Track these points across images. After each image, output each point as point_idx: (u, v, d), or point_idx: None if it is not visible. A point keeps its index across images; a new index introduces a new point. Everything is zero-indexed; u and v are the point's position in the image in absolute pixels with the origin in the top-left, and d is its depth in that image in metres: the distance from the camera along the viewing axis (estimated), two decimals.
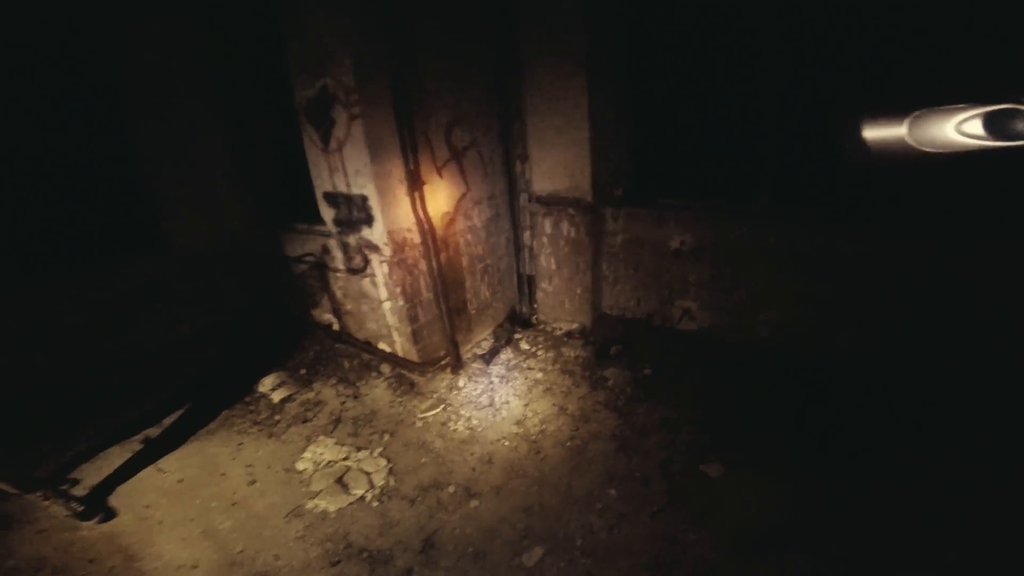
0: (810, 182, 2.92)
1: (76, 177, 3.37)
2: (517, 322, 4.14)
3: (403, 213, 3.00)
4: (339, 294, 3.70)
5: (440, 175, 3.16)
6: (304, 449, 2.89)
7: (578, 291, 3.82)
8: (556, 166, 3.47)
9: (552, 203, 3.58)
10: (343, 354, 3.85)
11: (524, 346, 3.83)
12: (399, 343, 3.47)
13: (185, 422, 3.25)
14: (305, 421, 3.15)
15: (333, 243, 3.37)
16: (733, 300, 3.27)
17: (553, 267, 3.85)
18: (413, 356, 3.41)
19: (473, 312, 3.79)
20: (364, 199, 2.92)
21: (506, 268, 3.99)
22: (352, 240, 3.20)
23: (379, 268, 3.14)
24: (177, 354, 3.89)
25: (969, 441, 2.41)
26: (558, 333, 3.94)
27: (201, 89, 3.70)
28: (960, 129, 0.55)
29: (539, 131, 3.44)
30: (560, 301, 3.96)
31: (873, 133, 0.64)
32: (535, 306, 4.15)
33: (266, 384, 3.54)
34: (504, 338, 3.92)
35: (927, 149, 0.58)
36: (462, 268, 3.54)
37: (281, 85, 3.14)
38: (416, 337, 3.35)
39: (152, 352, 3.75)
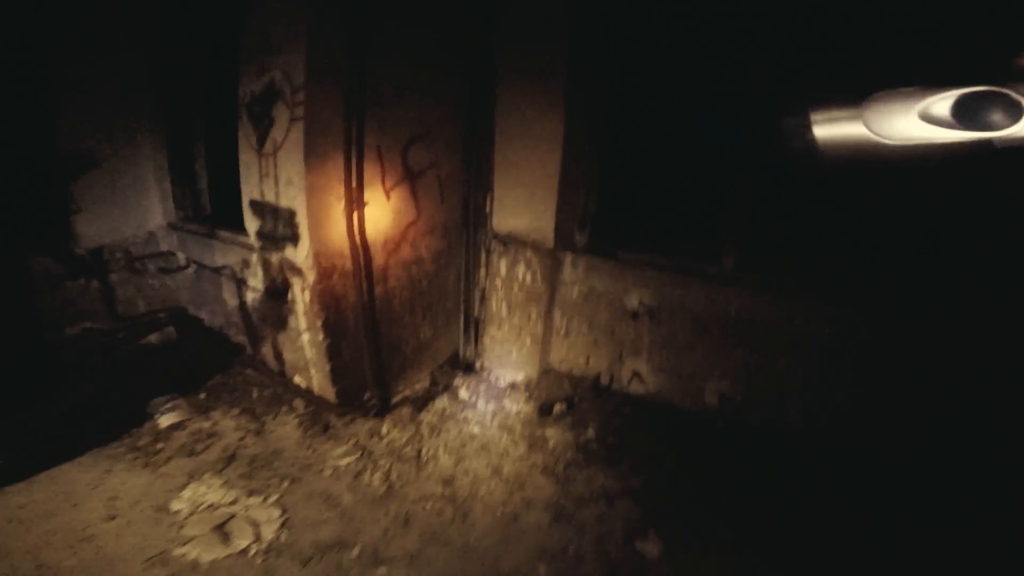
0: (779, 248, 2.86)
1: None
2: (459, 366, 3.81)
3: (336, 235, 2.63)
4: (255, 316, 3.24)
5: (388, 196, 2.84)
6: (184, 486, 2.49)
7: (527, 342, 3.55)
8: (520, 202, 3.23)
9: (511, 243, 3.32)
10: (253, 382, 3.40)
11: (463, 395, 3.52)
12: (316, 379, 3.03)
13: (45, 438, 2.72)
14: (192, 454, 2.73)
15: (255, 258, 2.96)
16: (686, 365, 3.14)
17: (504, 313, 3.55)
18: (331, 396, 2.98)
19: (409, 352, 3.41)
20: (292, 214, 2.55)
21: (453, 307, 3.65)
22: (274, 258, 2.79)
23: (300, 294, 2.74)
24: (64, 358, 3.30)
25: (927, 522, 2.32)
26: (501, 384, 3.67)
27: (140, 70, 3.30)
28: (926, 114, 0.45)
29: (507, 161, 3.21)
30: (508, 350, 3.67)
31: (824, 129, 0.52)
32: (480, 350, 3.83)
33: (156, 405, 3.06)
34: (442, 383, 3.59)
35: (886, 141, 0.49)
36: (401, 303, 3.17)
37: (228, 79, 2.80)
38: (336, 376, 2.94)
39: (37, 351, 3.16)
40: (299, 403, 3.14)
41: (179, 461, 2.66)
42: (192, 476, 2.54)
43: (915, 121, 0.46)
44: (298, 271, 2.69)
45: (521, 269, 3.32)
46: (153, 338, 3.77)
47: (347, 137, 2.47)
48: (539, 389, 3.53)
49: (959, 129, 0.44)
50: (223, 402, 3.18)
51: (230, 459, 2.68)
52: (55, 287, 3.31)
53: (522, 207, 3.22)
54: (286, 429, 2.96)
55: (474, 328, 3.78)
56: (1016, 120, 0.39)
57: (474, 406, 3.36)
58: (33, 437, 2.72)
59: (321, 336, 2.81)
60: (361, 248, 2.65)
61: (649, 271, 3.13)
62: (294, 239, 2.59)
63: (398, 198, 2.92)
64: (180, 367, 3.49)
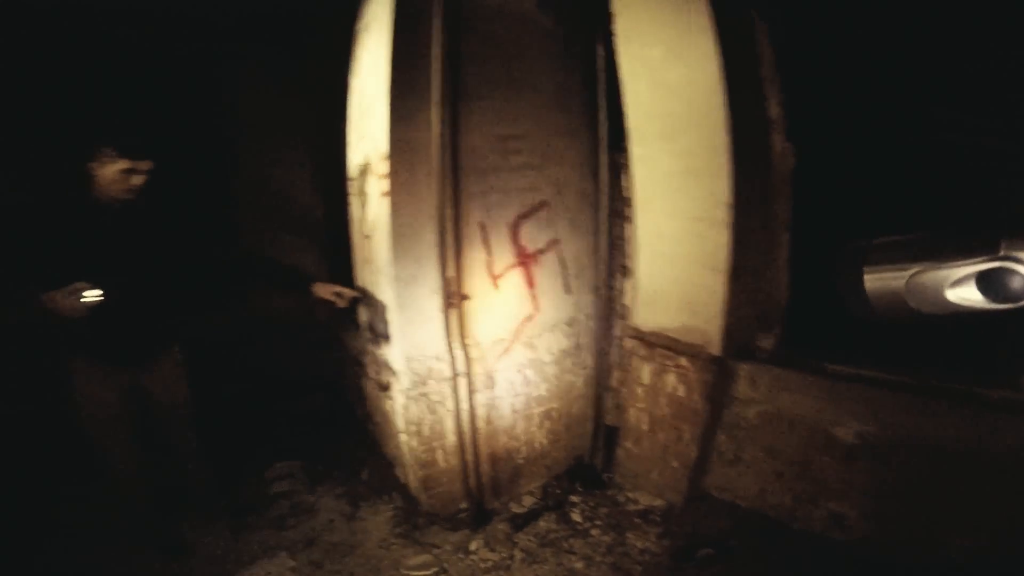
0: None
1: None
2: (581, 477, 3.05)
3: (431, 336, 2.15)
4: (370, 403, 2.96)
5: (496, 286, 2.29)
6: (253, 562, 2.43)
7: (674, 464, 2.68)
8: (670, 290, 2.42)
9: (657, 344, 2.49)
10: (368, 463, 3.19)
11: (575, 517, 2.81)
12: (411, 481, 2.62)
13: None
14: (281, 528, 2.69)
15: (369, 346, 2.65)
16: (918, 515, 2.14)
17: (645, 427, 2.71)
18: (423, 500, 2.58)
19: (520, 462, 2.78)
20: (384, 308, 2.15)
21: (579, 412, 2.91)
22: (378, 352, 2.43)
23: (396, 396, 2.30)
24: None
25: None
26: (632, 508, 2.86)
27: None
28: (955, 291, 0.31)
29: (651, 234, 2.44)
30: (646, 469, 2.82)
31: (874, 283, 0.33)
32: (612, 464, 3.02)
33: (275, 470, 3.13)
34: (554, 499, 2.91)
35: (925, 310, 0.29)
36: (514, 410, 2.56)
37: None
38: (429, 483, 2.50)
39: None
40: (397, 497, 2.87)
41: (264, 533, 2.63)
42: (267, 552, 2.49)
43: (948, 294, 0.46)
44: (392, 372, 2.26)
45: (671, 380, 2.45)
46: (302, 403, 3.87)
47: (440, 211, 2.00)
48: (683, 521, 2.70)
49: (987, 303, 0.45)
50: (334, 479, 3.12)
51: (311, 542, 2.60)
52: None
53: (673, 297, 2.40)
54: (376, 521, 2.75)
55: (603, 437, 2.99)
56: None
57: (586, 533, 2.68)
58: None
59: (415, 442, 2.36)
60: (462, 351, 2.12)
61: (876, 394, 2.14)
62: (387, 337, 2.17)
63: (509, 288, 2.34)
64: (314, 434, 3.53)
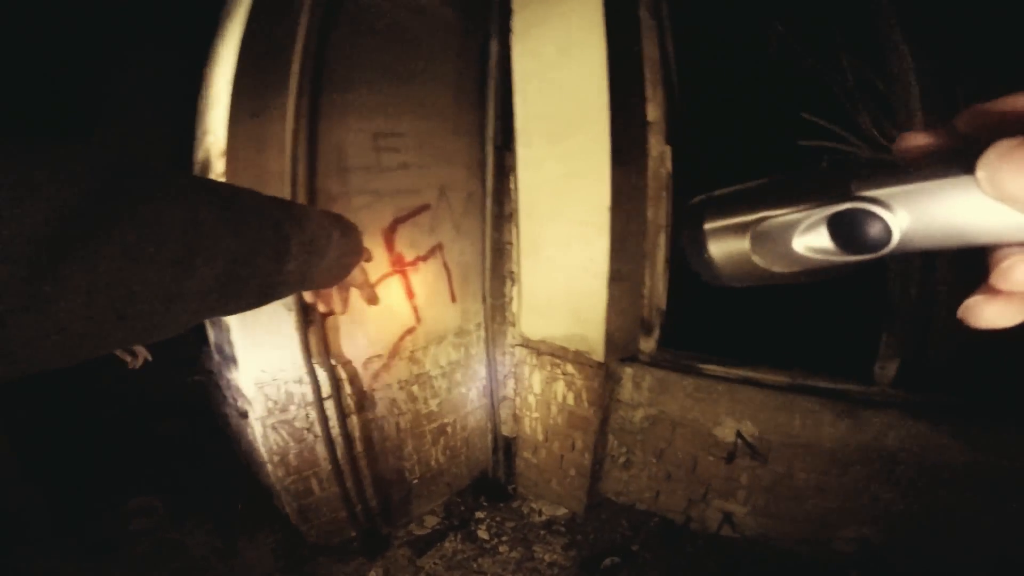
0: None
1: None
2: (486, 491, 2.93)
3: (286, 357, 1.91)
4: (233, 428, 2.64)
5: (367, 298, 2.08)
6: None
7: (571, 472, 2.64)
8: (555, 297, 2.34)
9: (545, 352, 2.41)
10: (243, 492, 2.87)
11: (482, 534, 2.70)
12: (290, 512, 2.33)
13: None
14: (142, 570, 2.36)
15: (223, 370, 2.34)
16: (808, 509, 2.21)
17: (540, 437, 2.63)
18: (306, 531, 2.32)
19: (415, 482, 2.60)
20: (228, 328, 1.87)
21: (476, 425, 2.78)
22: (231, 377, 2.14)
23: (255, 423, 2.03)
24: None
25: None
26: (537, 519, 2.79)
27: None
28: (804, 241, 0.32)
29: (536, 239, 2.35)
30: (546, 479, 2.78)
31: (717, 240, 0.36)
32: (512, 475, 2.94)
33: (133, 506, 2.77)
34: (458, 517, 2.77)
35: (778, 270, 0.34)
36: (399, 429, 2.37)
37: None
38: (307, 515, 2.26)
39: None
40: (278, 527, 2.58)
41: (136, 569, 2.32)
42: None
43: (799, 248, 0.32)
44: (246, 399, 1.99)
45: (560, 388, 2.38)
46: (165, 427, 3.44)
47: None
48: (586, 529, 2.67)
49: (845, 255, 0.31)
50: (204, 511, 2.77)
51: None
52: None
53: (558, 303, 2.33)
54: (258, 554, 2.48)
55: (503, 449, 2.89)
56: (889, 235, 0.28)
57: (494, 551, 2.58)
58: None
59: (282, 472, 2.10)
60: (327, 371, 1.91)
61: (752, 393, 2.19)
62: (235, 360, 1.90)
63: (385, 299, 2.15)
64: (180, 460, 3.19)
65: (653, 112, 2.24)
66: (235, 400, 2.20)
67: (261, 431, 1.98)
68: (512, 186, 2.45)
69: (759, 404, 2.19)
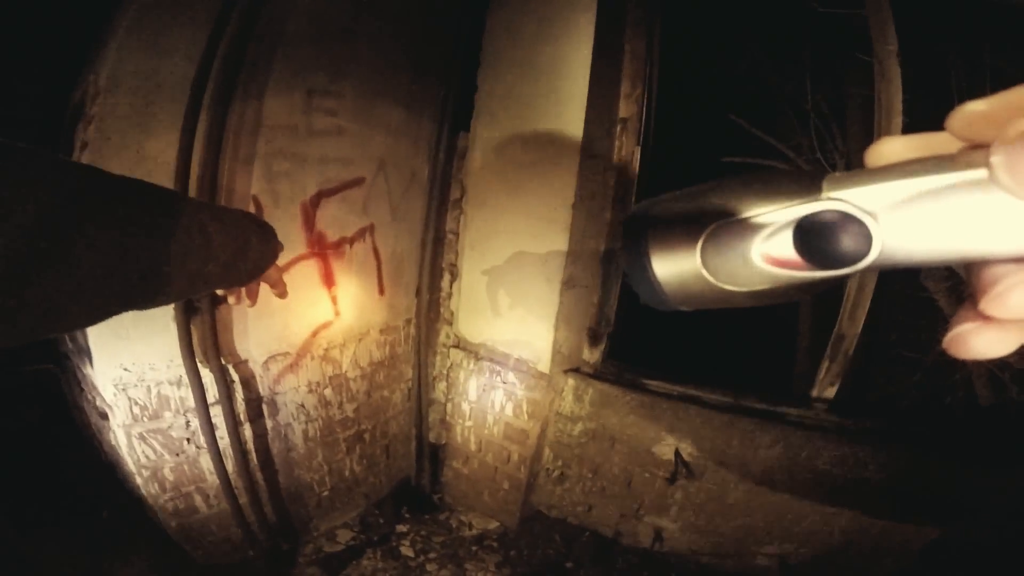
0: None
1: None
2: (409, 500, 2.69)
3: (160, 353, 1.53)
4: (94, 428, 2.15)
5: (272, 285, 1.72)
6: None
7: (504, 486, 2.47)
8: (501, 298, 2.13)
9: (484, 357, 2.18)
10: (111, 498, 2.44)
11: (406, 551, 2.45)
12: (171, 529, 1.93)
13: None
14: None
15: (78, 361, 1.86)
16: (736, 527, 2.22)
17: (473, 447, 2.43)
18: (191, 552, 1.93)
19: (325, 494, 2.29)
20: None
21: (398, 431, 2.51)
22: (87, 373, 1.69)
23: (118, 431, 1.61)
24: None
25: None
26: (467, 533, 2.59)
27: None
28: (766, 253, 0.27)
29: (485, 231, 2.11)
30: (477, 491, 2.59)
31: (661, 255, 0.30)
32: (440, 484, 2.72)
33: None
34: (377, 531, 2.49)
35: (731, 288, 0.29)
36: (307, 439, 2.04)
37: None
38: (191, 534, 1.91)
39: None
40: (157, 543, 2.13)
41: None
42: None
43: (759, 262, 0.27)
44: (104, 401, 1.56)
45: (498, 398, 2.18)
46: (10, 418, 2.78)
47: (178, 173, 1.39)
48: (519, 545, 2.52)
49: (811, 270, 0.26)
50: (58, 520, 2.25)
51: None
52: None
53: (503, 307, 2.11)
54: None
55: (429, 456, 2.65)
56: (869, 245, 0.24)
57: (421, 569, 2.35)
58: None
59: (155, 489, 1.72)
60: (215, 370, 1.54)
61: (693, 413, 2.13)
62: (89, 353, 1.47)
63: (297, 286, 1.80)
64: (29, 459, 2.45)
65: (627, 109, 2.06)
66: (92, 397, 1.75)
67: (126, 440, 1.59)
68: (464, 170, 2.18)
69: (700, 423, 2.13)
